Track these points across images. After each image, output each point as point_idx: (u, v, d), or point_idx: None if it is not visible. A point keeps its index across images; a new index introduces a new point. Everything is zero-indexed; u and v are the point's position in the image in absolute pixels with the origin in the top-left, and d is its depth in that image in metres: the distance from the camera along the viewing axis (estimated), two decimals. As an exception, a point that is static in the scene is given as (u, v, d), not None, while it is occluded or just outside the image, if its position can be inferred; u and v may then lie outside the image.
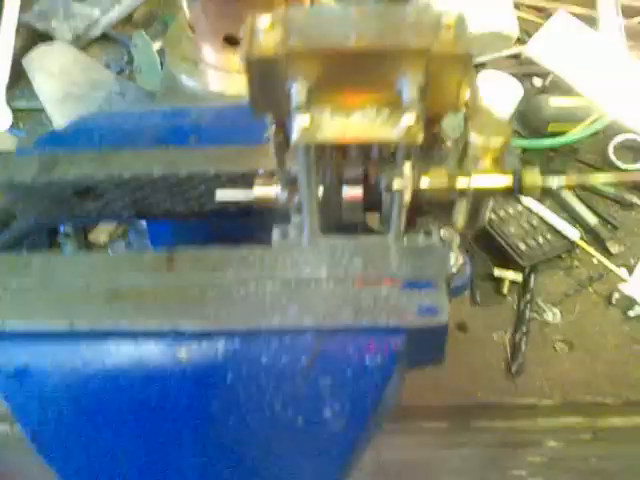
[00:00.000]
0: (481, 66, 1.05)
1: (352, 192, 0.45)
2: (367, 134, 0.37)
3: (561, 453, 0.91)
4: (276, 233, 0.46)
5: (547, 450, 0.91)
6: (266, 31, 0.35)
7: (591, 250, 0.89)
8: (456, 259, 0.45)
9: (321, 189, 0.45)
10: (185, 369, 0.42)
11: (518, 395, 0.81)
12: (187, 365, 0.42)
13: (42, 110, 1.03)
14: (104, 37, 1.13)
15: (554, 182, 0.38)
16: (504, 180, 0.38)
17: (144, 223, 0.84)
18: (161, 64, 1.00)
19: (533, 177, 0.38)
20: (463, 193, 0.39)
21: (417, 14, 0.37)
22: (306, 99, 0.36)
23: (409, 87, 0.36)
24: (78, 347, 0.43)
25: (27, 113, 1.06)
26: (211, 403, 0.42)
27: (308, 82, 0.36)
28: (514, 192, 0.38)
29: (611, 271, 0.87)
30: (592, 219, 0.92)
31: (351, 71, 0.36)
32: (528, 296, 0.86)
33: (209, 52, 0.70)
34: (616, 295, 0.86)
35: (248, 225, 0.52)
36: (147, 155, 0.50)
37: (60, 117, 0.96)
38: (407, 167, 0.38)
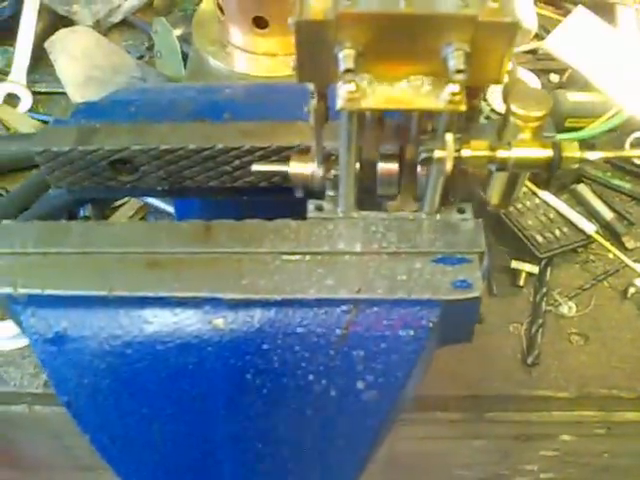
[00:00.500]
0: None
1: (388, 167, 0.46)
2: (412, 103, 0.38)
3: (574, 447, 0.92)
4: (311, 206, 0.46)
5: (560, 444, 0.91)
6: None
7: (607, 244, 0.89)
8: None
9: (357, 164, 0.45)
10: (222, 337, 0.42)
11: (533, 387, 0.81)
12: (224, 333, 0.42)
13: (62, 94, 1.04)
14: (124, 23, 1.14)
15: (592, 155, 0.39)
16: (544, 152, 0.39)
17: (166, 208, 0.84)
18: (181, 51, 1.01)
19: (572, 149, 0.39)
20: (502, 165, 0.40)
21: (464, -16, 0.37)
22: (353, 65, 0.36)
23: (455, 55, 0.36)
24: (116, 314, 0.43)
25: (47, 96, 1.07)
26: (246, 371, 0.42)
27: (356, 48, 0.36)
28: (553, 163, 0.38)
29: (627, 266, 0.88)
30: (608, 214, 0.92)
31: (399, 38, 0.37)
32: (544, 289, 0.86)
33: (237, 34, 0.70)
34: (631, 290, 0.86)
35: (276, 207, 0.53)
36: (183, 129, 0.51)
37: (81, 99, 0.96)
38: (449, 136, 0.39)
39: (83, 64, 0.99)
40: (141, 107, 0.54)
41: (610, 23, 1.04)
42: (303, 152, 0.48)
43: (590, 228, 0.89)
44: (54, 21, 1.10)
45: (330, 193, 0.47)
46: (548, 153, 0.38)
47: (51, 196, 0.90)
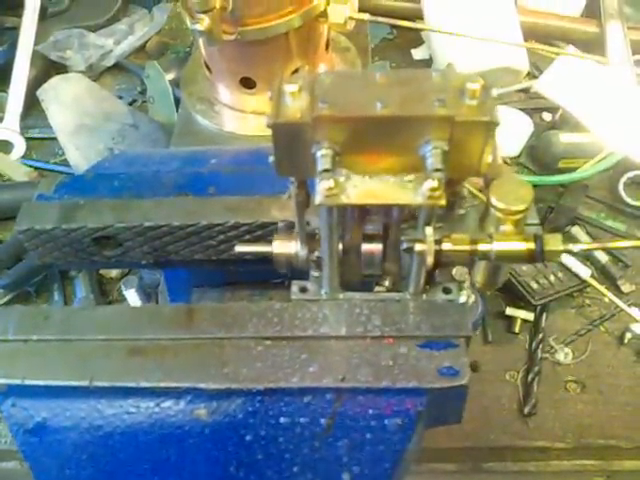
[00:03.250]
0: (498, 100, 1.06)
1: (371, 247, 0.45)
2: (390, 198, 0.37)
3: (573, 495, 0.90)
4: (295, 288, 0.46)
5: (559, 492, 0.90)
6: (293, 96, 0.36)
7: (602, 289, 0.88)
8: (468, 297, 0.45)
9: (340, 245, 0.44)
10: (203, 428, 0.42)
11: (530, 438, 0.80)
12: (205, 424, 0.42)
13: (55, 139, 1.04)
14: (117, 66, 1.14)
15: (576, 248, 0.38)
16: (526, 245, 0.38)
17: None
18: (174, 95, 1.01)
19: (555, 242, 0.38)
20: (485, 257, 0.39)
21: (442, 79, 0.37)
22: (331, 165, 0.36)
23: (432, 154, 0.36)
24: (97, 404, 0.42)
25: (40, 142, 1.07)
26: (229, 464, 0.42)
27: (333, 147, 0.36)
28: (536, 258, 0.38)
29: (623, 310, 0.87)
30: (603, 257, 0.91)
31: (376, 137, 0.36)
32: (540, 335, 0.85)
33: (225, 93, 0.70)
34: (628, 335, 0.85)
35: (262, 273, 0.52)
36: (166, 204, 0.50)
37: (73, 148, 0.96)
38: (429, 231, 0.38)
39: (74, 112, 0.99)
40: (125, 181, 0.53)
41: (600, 61, 1.04)
42: (286, 230, 0.47)
43: (585, 272, 0.88)
44: (47, 67, 1.11)
45: (314, 274, 0.46)
46: (530, 246, 0.38)
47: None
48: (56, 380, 0.43)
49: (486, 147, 0.37)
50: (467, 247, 0.38)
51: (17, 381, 0.43)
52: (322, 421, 0.42)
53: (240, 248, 0.47)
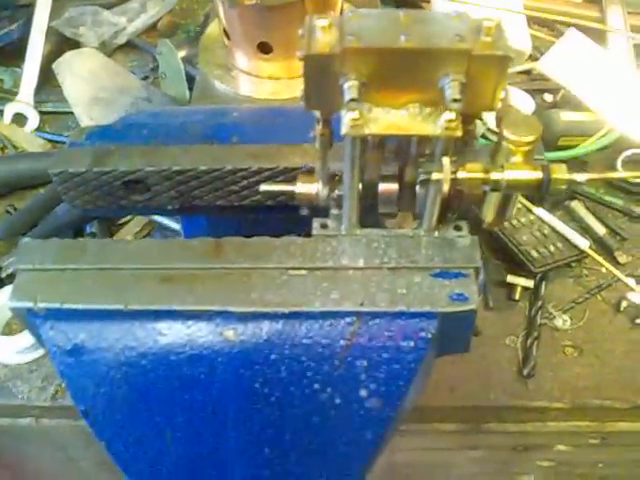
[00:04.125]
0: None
1: (388, 187, 0.49)
2: (411, 129, 0.41)
3: (569, 458, 0.94)
4: (316, 224, 0.49)
5: (556, 454, 0.93)
6: (323, 30, 0.39)
7: (600, 259, 0.92)
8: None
9: (360, 185, 0.48)
10: (232, 348, 0.45)
11: (529, 398, 0.83)
12: (234, 344, 0.45)
13: (68, 113, 1.07)
14: (129, 44, 1.17)
15: (579, 177, 0.42)
16: (535, 174, 0.42)
17: (172, 224, 0.87)
18: (185, 72, 1.04)
19: (561, 171, 0.42)
20: (496, 186, 0.43)
21: (460, 19, 0.41)
22: (357, 95, 0.39)
23: (451, 85, 0.39)
24: (131, 326, 0.46)
25: (53, 116, 1.10)
26: (255, 381, 0.45)
27: (359, 79, 0.39)
28: (543, 185, 0.41)
29: (619, 280, 0.90)
30: (601, 229, 0.95)
31: (399, 70, 0.40)
32: (539, 302, 0.89)
33: (242, 58, 0.73)
34: (624, 303, 0.89)
35: (279, 224, 0.55)
36: (193, 151, 0.54)
37: (88, 120, 0.99)
38: (446, 160, 0.42)
39: (89, 85, 1.02)
40: (153, 130, 0.56)
41: (601, 44, 1.08)
42: (308, 173, 0.51)
43: (584, 243, 0.92)
44: (61, 43, 1.14)
45: (334, 212, 0.49)
46: (538, 175, 0.41)
47: (58, 213, 0.92)
48: (92, 304, 0.46)
49: (499, 83, 0.40)
50: (481, 175, 0.42)
51: (56, 305, 0.46)
52: (342, 342, 0.45)
53: (265, 187, 0.50)
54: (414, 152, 0.45)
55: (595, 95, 1.01)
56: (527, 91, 1.09)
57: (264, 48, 0.71)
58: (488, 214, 0.46)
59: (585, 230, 0.95)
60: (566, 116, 1.03)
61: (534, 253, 0.91)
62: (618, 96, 1.01)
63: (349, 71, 0.39)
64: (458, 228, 0.48)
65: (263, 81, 0.73)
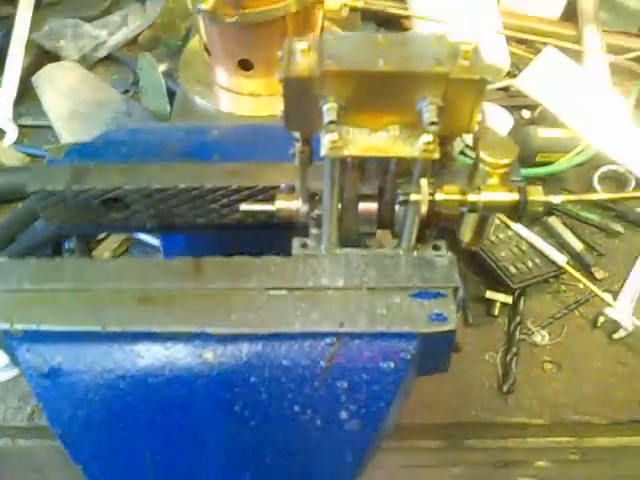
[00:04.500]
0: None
1: (367, 206, 0.49)
2: (389, 151, 0.41)
3: (550, 474, 0.94)
4: (296, 244, 0.49)
5: (536, 470, 0.94)
6: (303, 53, 0.39)
7: (577, 275, 0.93)
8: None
9: (339, 205, 0.48)
10: (211, 370, 0.45)
11: (509, 414, 0.84)
12: (213, 366, 0.45)
13: (47, 127, 1.06)
14: (110, 57, 1.17)
15: (555, 199, 0.42)
16: (511, 196, 0.42)
17: (151, 240, 0.86)
18: (166, 86, 1.04)
19: (537, 193, 0.42)
20: (473, 208, 0.43)
21: (438, 42, 0.41)
22: (336, 117, 0.39)
23: (429, 109, 0.40)
24: (109, 348, 0.45)
25: (32, 130, 1.09)
26: (235, 403, 0.45)
27: (338, 102, 0.40)
28: (520, 207, 0.42)
29: (596, 295, 0.91)
30: (578, 245, 0.96)
31: (377, 92, 0.40)
32: (518, 318, 0.90)
33: (223, 75, 0.73)
34: (601, 319, 0.90)
35: (258, 242, 0.55)
36: (173, 169, 0.53)
37: (68, 134, 0.98)
38: (424, 182, 0.42)
39: (69, 99, 1.02)
40: (132, 147, 0.56)
41: (578, 62, 1.10)
42: (288, 191, 0.51)
43: (561, 259, 0.93)
44: (41, 56, 1.13)
45: (314, 231, 0.49)
46: (515, 197, 0.42)
47: (37, 229, 0.91)
48: (70, 326, 0.46)
49: (476, 106, 0.40)
50: (458, 197, 0.42)
51: (32, 327, 0.46)
52: (321, 363, 0.45)
53: (245, 207, 0.50)
54: (393, 172, 0.46)
55: (571, 112, 1.02)
56: (505, 107, 1.10)
57: (245, 65, 0.71)
58: (466, 234, 0.47)
59: (562, 246, 0.96)
60: (544, 133, 1.04)
61: (512, 269, 0.91)
62: (594, 113, 1.02)
63: (328, 93, 0.39)
64: (437, 247, 0.49)
65: (244, 98, 0.73)
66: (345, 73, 0.39)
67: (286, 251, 0.50)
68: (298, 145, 0.45)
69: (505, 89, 1.15)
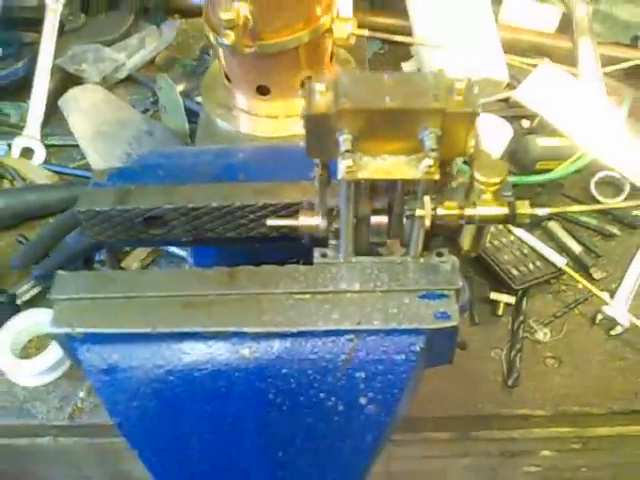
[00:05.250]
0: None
1: (379, 220, 0.57)
2: (396, 174, 0.49)
3: (554, 463, 1.02)
4: (317, 253, 0.57)
5: (541, 460, 1.01)
6: (321, 94, 0.47)
7: (576, 276, 1.00)
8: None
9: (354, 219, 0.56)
10: (247, 364, 0.53)
11: (514, 406, 0.92)
12: (249, 361, 0.53)
13: (73, 146, 1.15)
14: (129, 79, 1.25)
15: (541, 212, 0.50)
16: (502, 210, 0.50)
17: (177, 251, 0.95)
18: (184, 105, 1.13)
19: (524, 207, 0.50)
20: (470, 220, 0.51)
21: (435, 79, 0.49)
22: (350, 146, 0.48)
23: (429, 137, 0.48)
24: (159, 347, 0.53)
25: (59, 149, 1.18)
26: (269, 392, 0.53)
27: (352, 133, 0.48)
28: (509, 219, 0.50)
29: (594, 295, 0.99)
30: (577, 248, 1.04)
31: (386, 125, 0.48)
32: (521, 317, 0.97)
33: (242, 99, 0.82)
34: (599, 316, 0.97)
35: (279, 252, 0.64)
36: (205, 189, 0.62)
37: (93, 152, 1.07)
38: (427, 199, 0.50)
39: (93, 119, 1.10)
40: (167, 170, 0.65)
41: (573, 73, 1.17)
42: (309, 207, 0.59)
43: (561, 261, 1.01)
44: (64, 79, 1.22)
45: (332, 242, 0.58)
46: (505, 211, 0.50)
47: (69, 243, 1.00)
48: (124, 328, 0.54)
49: (470, 133, 0.49)
50: (456, 211, 0.50)
51: (91, 330, 0.54)
52: (342, 356, 0.53)
53: (271, 222, 0.58)
54: (400, 191, 0.54)
55: (568, 122, 1.10)
56: (505, 118, 1.17)
57: (262, 90, 0.79)
58: (465, 243, 0.55)
59: (562, 249, 1.04)
60: (542, 142, 1.12)
61: (515, 271, 0.99)
62: (590, 122, 1.10)
63: (343, 127, 0.48)
64: (440, 254, 0.57)
65: (262, 120, 0.82)
66: (357, 110, 0.47)
67: (302, 257, 0.58)
68: (317, 169, 0.53)
69: (505, 100, 1.22)
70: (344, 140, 0.48)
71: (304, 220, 0.57)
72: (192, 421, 0.54)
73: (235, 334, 0.53)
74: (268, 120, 0.81)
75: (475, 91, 0.48)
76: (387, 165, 0.50)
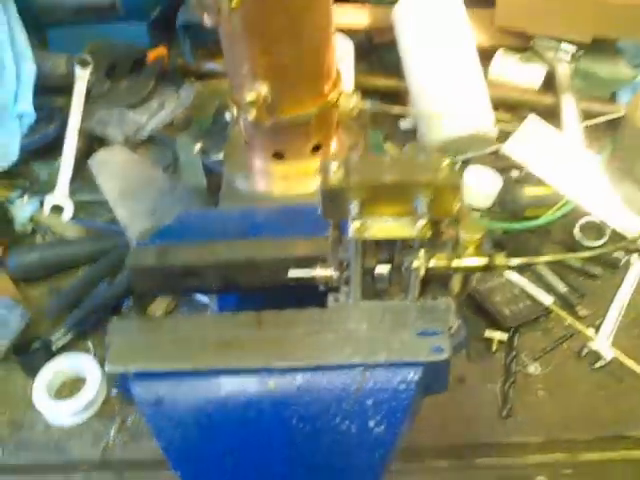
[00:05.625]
0: (467, 162, 1.31)
1: (382, 269, 0.69)
2: (396, 233, 0.61)
3: (549, 488, 1.11)
4: (331, 298, 0.69)
5: (537, 485, 1.10)
6: (335, 171, 0.59)
7: (563, 314, 1.11)
8: (453, 323, 0.68)
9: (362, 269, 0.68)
10: (274, 394, 0.64)
11: (509, 435, 1.02)
12: (275, 391, 0.64)
13: (100, 202, 1.27)
14: (150, 139, 1.38)
15: (514, 261, 0.62)
16: (482, 261, 0.62)
17: (199, 298, 1.06)
18: (202, 162, 1.26)
19: (501, 259, 0.62)
20: (457, 270, 0.63)
21: (425, 159, 0.61)
22: (359, 211, 0.59)
23: (422, 203, 0.60)
24: (199, 382, 0.64)
25: (87, 204, 1.30)
26: (292, 417, 0.63)
27: (360, 201, 0.60)
28: (489, 269, 0.62)
29: (580, 331, 1.10)
30: (563, 288, 1.15)
31: (387, 194, 0.60)
32: (513, 353, 1.08)
33: (260, 162, 0.94)
34: (585, 350, 1.08)
35: (294, 297, 0.75)
36: (234, 245, 0.73)
37: (121, 208, 1.19)
38: (421, 253, 0.62)
39: (120, 179, 1.23)
40: (200, 229, 0.77)
41: (556, 126, 1.30)
42: (324, 261, 0.70)
43: (548, 300, 1.12)
44: (90, 140, 1.35)
45: (344, 289, 0.69)
46: (485, 262, 0.61)
47: (99, 293, 1.12)
48: (169, 366, 0.65)
49: (455, 199, 0.61)
50: (445, 263, 0.62)
51: (142, 368, 0.65)
52: (354, 386, 0.64)
53: (293, 273, 0.70)
54: (400, 246, 0.66)
55: (552, 173, 1.23)
56: (496, 168, 1.30)
57: (278, 155, 0.92)
58: (454, 287, 0.66)
59: (550, 289, 1.15)
60: (530, 191, 1.25)
61: (507, 311, 1.10)
62: (572, 172, 1.23)
63: (353, 197, 0.60)
64: (435, 298, 0.68)
65: (277, 180, 0.94)
66: (364, 184, 0.59)
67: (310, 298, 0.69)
68: (331, 229, 0.65)
69: (495, 153, 1.35)
70: (354, 207, 0.60)
71: (320, 272, 0.69)
72: (227, 444, 0.65)
73: (263, 369, 0.64)
74: (282, 181, 0.94)
75: (456, 168, 0.60)
76: (389, 226, 0.62)
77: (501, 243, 1.20)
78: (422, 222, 0.60)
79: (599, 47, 1.43)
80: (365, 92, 1.24)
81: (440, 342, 0.65)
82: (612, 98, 1.44)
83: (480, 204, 1.27)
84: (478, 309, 1.12)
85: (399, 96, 1.42)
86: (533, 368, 1.07)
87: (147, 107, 1.39)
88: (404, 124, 1.39)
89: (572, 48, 1.42)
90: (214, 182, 1.21)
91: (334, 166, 0.60)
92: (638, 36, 1.43)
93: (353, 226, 0.60)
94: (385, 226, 0.61)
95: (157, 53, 1.44)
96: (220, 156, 1.23)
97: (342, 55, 1.33)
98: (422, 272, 0.62)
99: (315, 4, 0.78)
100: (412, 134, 1.37)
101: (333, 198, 0.60)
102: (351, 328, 0.67)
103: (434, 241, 0.65)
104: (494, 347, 1.09)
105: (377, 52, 1.51)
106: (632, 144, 1.25)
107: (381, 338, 0.66)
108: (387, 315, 0.67)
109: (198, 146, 1.31)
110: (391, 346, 0.65)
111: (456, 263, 0.62)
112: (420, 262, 0.62)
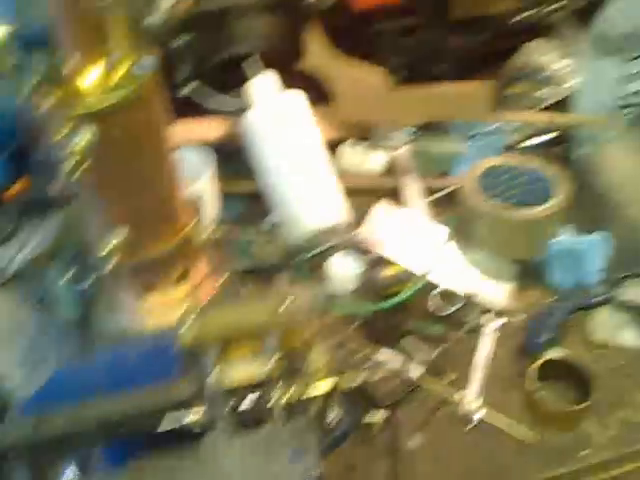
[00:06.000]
0: (331, 250, 1.41)
1: (246, 405, 0.75)
2: (252, 375, 0.69)
3: None
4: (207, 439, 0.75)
5: None
6: (188, 328, 0.66)
7: (432, 383, 1.22)
8: (335, 414, 0.75)
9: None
10: None
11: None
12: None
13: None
14: (18, 274, 1.38)
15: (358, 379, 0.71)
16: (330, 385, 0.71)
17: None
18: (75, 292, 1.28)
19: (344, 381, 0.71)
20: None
21: (272, 301, 0.70)
22: (217, 359, 0.66)
23: (271, 342, 0.68)
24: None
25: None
26: None
27: (216, 351, 0.67)
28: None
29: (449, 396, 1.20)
30: (429, 357, 1.26)
31: (239, 340, 0.68)
32: (394, 430, 1.17)
33: (127, 299, 0.99)
34: (458, 414, 1.18)
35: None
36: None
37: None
38: (279, 385, 0.70)
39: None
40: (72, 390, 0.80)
41: (402, 206, 1.44)
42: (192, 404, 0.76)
43: (416, 373, 1.22)
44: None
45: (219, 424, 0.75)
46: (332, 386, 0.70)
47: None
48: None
49: (301, 332, 0.69)
50: (302, 390, 0.70)
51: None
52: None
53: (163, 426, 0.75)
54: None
55: (402, 251, 1.36)
56: (354, 253, 1.41)
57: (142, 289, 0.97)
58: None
59: (418, 360, 1.25)
60: (387, 270, 1.36)
61: (382, 390, 1.19)
62: (420, 248, 1.36)
63: (208, 349, 0.67)
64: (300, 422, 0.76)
65: (145, 314, 0.99)
66: (217, 337, 0.66)
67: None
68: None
69: (353, 237, 1.46)
70: (211, 356, 0.67)
71: (191, 417, 0.75)
72: None
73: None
74: (150, 313, 0.99)
75: (296, 308, 0.69)
76: (246, 369, 0.69)
77: (370, 323, 1.31)
78: (273, 360, 0.67)
79: (432, 127, 1.61)
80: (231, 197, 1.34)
81: (311, 462, 0.72)
82: (447, 173, 1.59)
83: (345, 288, 1.37)
84: (355, 395, 1.20)
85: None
86: (415, 441, 1.16)
87: (12, 244, 1.39)
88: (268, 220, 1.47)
89: (408, 132, 1.58)
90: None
91: (188, 321, 0.66)
92: (469, 117, 1.60)
93: (213, 376, 0.67)
94: (243, 370, 0.69)
95: (18, 188, 1.45)
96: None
97: (201, 168, 1.41)
98: (282, 402, 0.70)
99: (152, 159, 0.86)
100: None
101: (190, 354, 0.67)
102: (224, 463, 0.72)
103: (292, 371, 0.73)
104: (376, 428, 1.17)
105: (240, 155, 1.59)
106: (468, 215, 1.41)
107: (254, 469, 0.72)
108: (259, 446, 0.74)
109: (69, 275, 1.33)
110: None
111: (312, 390, 0.70)
112: (278, 394, 0.69)
